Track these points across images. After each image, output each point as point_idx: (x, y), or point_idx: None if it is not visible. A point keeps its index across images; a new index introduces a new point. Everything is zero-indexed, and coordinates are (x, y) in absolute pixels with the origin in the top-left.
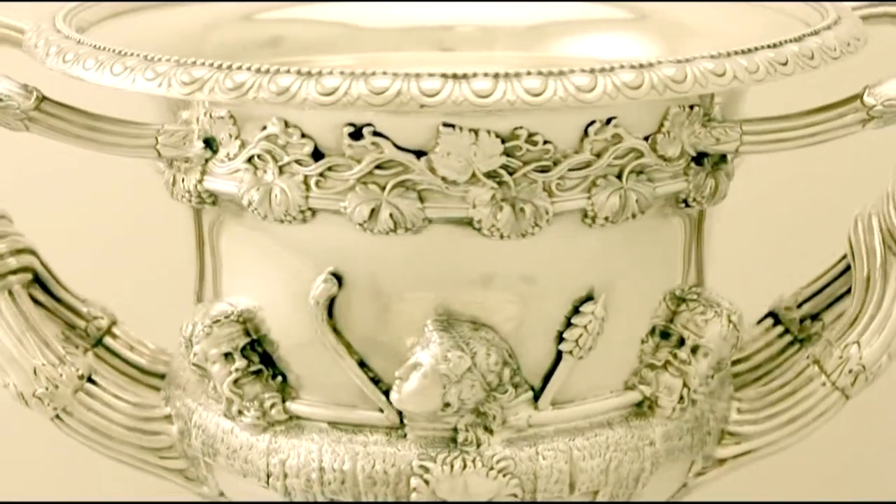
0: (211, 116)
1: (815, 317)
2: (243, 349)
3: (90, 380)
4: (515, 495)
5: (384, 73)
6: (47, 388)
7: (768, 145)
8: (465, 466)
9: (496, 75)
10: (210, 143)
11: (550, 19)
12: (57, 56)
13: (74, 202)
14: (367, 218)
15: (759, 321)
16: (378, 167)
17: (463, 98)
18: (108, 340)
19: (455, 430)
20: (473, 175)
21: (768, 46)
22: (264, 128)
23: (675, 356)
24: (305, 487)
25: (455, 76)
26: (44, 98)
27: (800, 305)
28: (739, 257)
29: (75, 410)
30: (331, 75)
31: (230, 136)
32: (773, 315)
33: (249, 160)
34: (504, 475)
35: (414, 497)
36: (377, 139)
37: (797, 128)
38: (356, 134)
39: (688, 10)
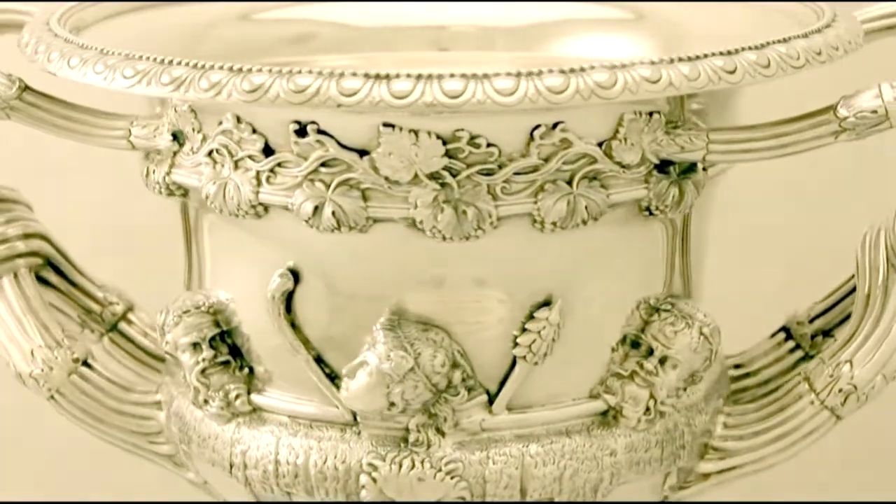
0: (176, 110)
1: (827, 333)
2: (212, 340)
3: (86, 364)
4: (463, 498)
5: (310, 71)
6: (42, 370)
7: (737, 155)
8: (412, 466)
9: (418, 76)
10: (177, 137)
11: (549, 19)
12: (30, 48)
13: (96, 189)
14: (312, 214)
15: (773, 335)
16: (323, 165)
17: (380, 98)
18: (122, 326)
19: (407, 429)
20: (416, 176)
21: (721, 53)
22: (220, 123)
23: (641, 366)
24: (263, 479)
25: (377, 76)
26: (26, 87)
27: (812, 321)
28: (769, 267)
29: (68, 392)
30: (259, 73)
31: (193, 129)
32: (786, 330)
33: (209, 154)
34: (452, 477)
35: (363, 494)
36: (321, 137)
37: (767, 138)
38: (301, 131)
39: (687, 9)
